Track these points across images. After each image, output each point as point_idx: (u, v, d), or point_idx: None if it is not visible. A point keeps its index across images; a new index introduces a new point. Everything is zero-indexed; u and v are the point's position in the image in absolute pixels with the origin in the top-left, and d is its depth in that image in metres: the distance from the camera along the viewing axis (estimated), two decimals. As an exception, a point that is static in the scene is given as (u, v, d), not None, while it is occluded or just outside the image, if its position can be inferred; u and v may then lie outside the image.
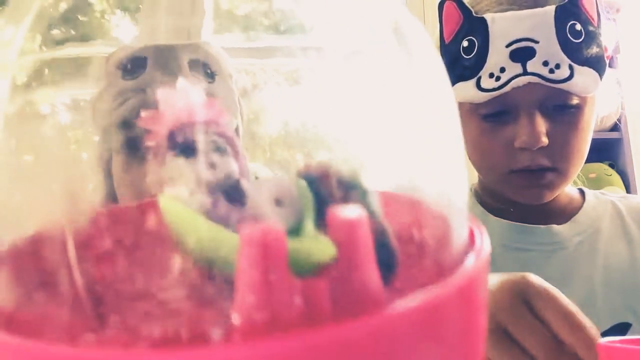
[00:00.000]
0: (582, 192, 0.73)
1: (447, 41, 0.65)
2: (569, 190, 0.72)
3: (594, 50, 0.60)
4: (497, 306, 0.38)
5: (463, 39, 0.62)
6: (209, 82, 0.74)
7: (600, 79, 0.60)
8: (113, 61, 0.77)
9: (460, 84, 0.62)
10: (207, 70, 0.75)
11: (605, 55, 0.62)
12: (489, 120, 0.63)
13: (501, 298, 0.38)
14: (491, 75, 0.59)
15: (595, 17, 0.61)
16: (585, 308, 0.61)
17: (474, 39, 0.61)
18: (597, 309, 0.62)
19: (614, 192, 0.76)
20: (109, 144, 0.77)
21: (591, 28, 0.60)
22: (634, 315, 0.62)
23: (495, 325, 0.38)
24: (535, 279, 0.39)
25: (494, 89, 0.59)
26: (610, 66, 0.71)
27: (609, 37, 0.64)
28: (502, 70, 0.59)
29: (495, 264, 0.66)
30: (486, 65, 0.60)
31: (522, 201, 0.64)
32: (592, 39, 0.60)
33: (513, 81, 0.58)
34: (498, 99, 0.60)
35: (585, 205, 0.70)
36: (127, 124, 0.72)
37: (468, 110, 0.65)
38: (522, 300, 0.38)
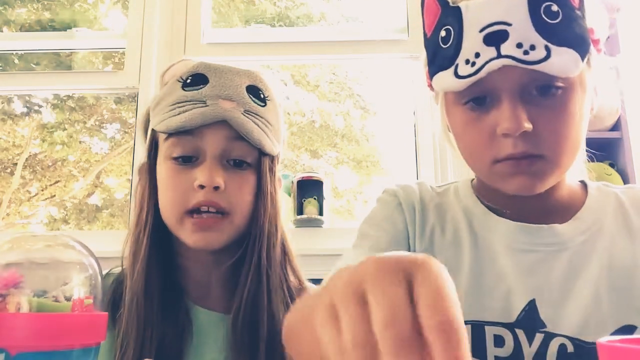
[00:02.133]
0: (584, 185, 0.71)
1: (428, 35, 0.65)
2: (569, 183, 0.70)
3: (574, 30, 0.58)
4: (370, 271, 0.30)
5: (441, 30, 0.62)
6: (262, 106, 0.77)
7: (582, 59, 0.58)
8: (172, 73, 0.79)
9: (439, 74, 0.62)
10: (260, 95, 0.78)
11: (592, 37, 0.60)
12: (473, 109, 0.62)
13: (382, 265, 0.30)
14: (467, 61, 0.59)
15: None
16: (591, 311, 0.61)
17: (450, 28, 0.61)
18: (603, 311, 0.61)
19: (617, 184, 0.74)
20: (153, 147, 0.78)
21: (570, 10, 0.58)
22: None
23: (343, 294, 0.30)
24: (433, 262, 0.31)
25: (469, 75, 0.58)
26: (610, 54, 0.70)
27: (597, 20, 0.63)
28: (477, 55, 0.58)
29: (499, 265, 0.65)
30: (462, 52, 0.59)
31: (512, 192, 0.62)
32: (571, 20, 0.58)
33: (487, 65, 0.57)
34: (478, 86, 0.59)
35: (588, 200, 0.68)
36: (187, 133, 0.73)
37: (452, 102, 0.64)
38: (403, 273, 0.30)
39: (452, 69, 0.60)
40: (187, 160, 0.74)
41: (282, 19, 2.93)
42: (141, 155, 1.86)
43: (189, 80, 0.76)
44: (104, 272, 0.79)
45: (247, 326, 0.74)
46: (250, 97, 0.76)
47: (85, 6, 3.13)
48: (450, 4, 0.61)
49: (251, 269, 0.76)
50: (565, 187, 0.68)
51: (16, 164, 3.57)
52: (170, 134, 0.74)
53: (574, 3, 0.59)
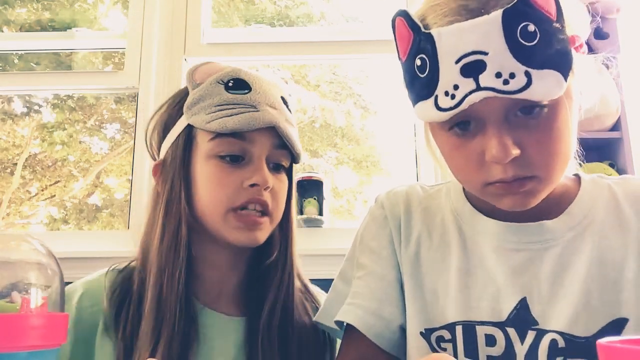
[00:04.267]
0: (578, 178, 0.70)
1: (403, 59, 0.63)
2: (563, 179, 0.68)
3: (554, 48, 0.55)
4: None
5: (415, 57, 0.59)
6: (293, 116, 0.81)
7: (565, 78, 0.55)
8: (204, 74, 0.79)
9: (420, 104, 0.60)
10: (289, 107, 0.81)
11: (574, 46, 0.57)
12: (458, 135, 0.60)
13: None
14: (446, 93, 0.56)
15: (552, 10, 0.55)
16: (581, 305, 0.61)
17: (425, 57, 0.58)
18: (593, 305, 0.61)
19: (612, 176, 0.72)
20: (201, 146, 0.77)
21: (548, 25, 0.55)
22: (630, 310, 0.60)
23: None
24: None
25: (451, 108, 0.56)
26: (606, 59, 0.68)
27: (577, 22, 0.60)
28: (456, 87, 0.55)
29: (487, 266, 0.66)
30: (440, 83, 0.57)
31: (505, 209, 0.62)
32: (550, 37, 0.55)
33: (468, 98, 0.55)
34: (461, 115, 0.57)
35: (580, 193, 0.67)
36: (238, 135, 0.74)
37: (436, 127, 0.63)
38: None
39: (432, 100, 0.58)
40: (235, 160, 0.76)
41: (282, 18, 2.93)
42: (141, 155, 1.83)
43: (231, 84, 0.77)
44: (105, 270, 0.79)
45: (279, 327, 0.77)
46: (286, 107, 0.81)
47: (85, 6, 3.13)
48: (423, 30, 0.58)
49: (285, 271, 0.80)
50: (558, 185, 0.66)
51: (16, 164, 3.57)
52: (219, 134, 0.75)
53: (551, 16, 0.55)
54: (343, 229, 1.70)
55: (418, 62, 0.59)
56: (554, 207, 0.66)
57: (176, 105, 0.81)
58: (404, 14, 0.61)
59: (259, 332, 0.76)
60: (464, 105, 0.55)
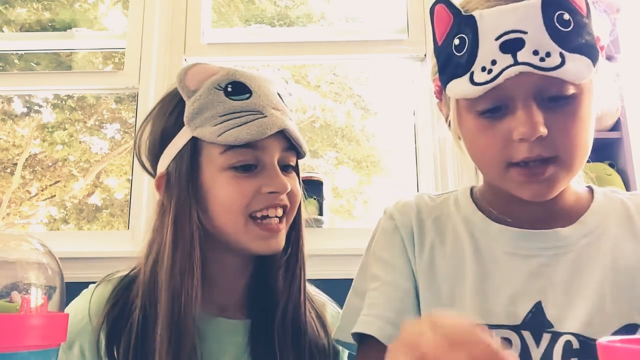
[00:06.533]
0: (590, 190, 0.72)
1: (439, 43, 0.66)
2: (576, 188, 0.71)
3: (585, 38, 0.60)
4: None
5: (454, 38, 0.62)
6: (291, 111, 0.79)
7: (594, 65, 0.59)
8: (198, 79, 0.76)
9: (454, 81, 0.62)
10: (284, 101, 0.80)
11: (599, 45, 0.62)
12: (486, 116, 0.62)
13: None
14: (483, 68, 0.59)
15: (583, 7, 0.61)
16: (596, 310, 0.61)
17: (464, 36, 0.61)
18: (607, 310, 0.61)
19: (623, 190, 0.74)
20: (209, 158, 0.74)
21: (580, 18, 0.60)
22: None
23: None
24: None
25: (486, 82, 0.59)
26: (608, 59, 0.70)
27: (601, 28, 0.64)
28: (494, 62, 0.59)
29: (502, 271, 0.66)
30: (477, 59, 0.60)
31: (526, 198, 0.63)
32: (582, 28, 0.60)
33: (505, 72, 0.58)
34: (493, 93, 0.60)
35: (593, 204, 0.69)
36: (251, 145, 0.73)
37: (464, 108, 0.64)
38: None
39: (467, 77, 0.61)
40: (248, 169, 0.74)
41: (282, 18, 2.93)
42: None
43: (230, 89, 0.74)
44: (94, 286, 0.76)
45: (292, 327, 0.76)
46: (283, 103, 0.79)
47: (85, 6, 3.13)
48: (463, 13, 0.62)
49: (297, 268, 0.79)
50: (571, 193, 0.69)
51: (16, 164, 3.57)
52: (231, 146, 0.72)
53: (582, 12, 0.60)
54: (343, 229, 1.70)
55: (456, 41, 0.62)
56: (568, 215, 0.68)
57: (171, 113, 0.77)
58: (445, 1, 0.65)
59: (273, 331, 0.75)
60: (500, 79, 0.58)
